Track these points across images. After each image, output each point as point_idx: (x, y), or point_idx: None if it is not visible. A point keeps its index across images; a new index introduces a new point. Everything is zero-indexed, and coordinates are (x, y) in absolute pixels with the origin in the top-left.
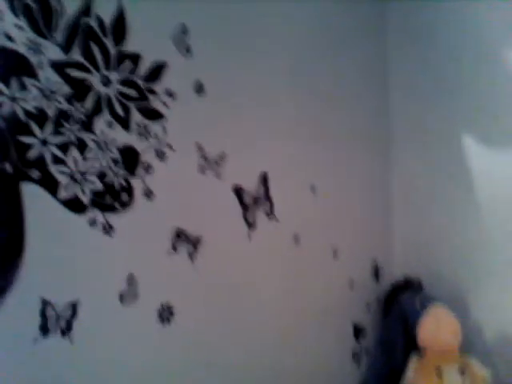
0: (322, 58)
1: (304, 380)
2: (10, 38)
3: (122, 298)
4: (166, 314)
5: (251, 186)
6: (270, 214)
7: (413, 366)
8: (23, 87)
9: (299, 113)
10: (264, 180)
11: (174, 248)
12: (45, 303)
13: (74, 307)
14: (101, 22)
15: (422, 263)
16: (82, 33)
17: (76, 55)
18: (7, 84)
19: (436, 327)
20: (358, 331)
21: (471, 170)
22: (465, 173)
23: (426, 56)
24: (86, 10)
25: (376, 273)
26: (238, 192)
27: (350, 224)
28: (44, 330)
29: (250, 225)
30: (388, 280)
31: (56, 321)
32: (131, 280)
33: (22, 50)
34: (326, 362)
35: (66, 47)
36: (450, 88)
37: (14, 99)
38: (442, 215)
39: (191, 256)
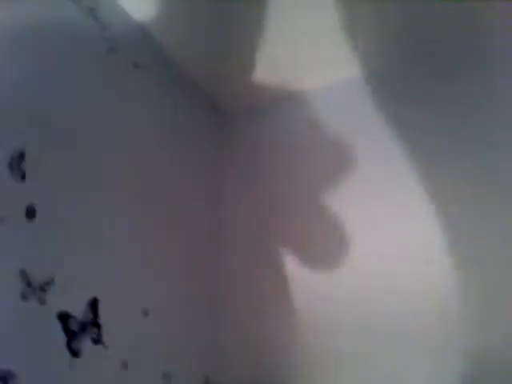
0: (161, 177)
1: None
2: None
3: None
4: None
5: (79, 311)
6: (98, 340)
7: None
8: None
9: (133, 236)
10: (93, 305)
11: None
12: None
13: None
14: None
15: (256, 380)
16: None
17: None
18: None
19: None
20: None
21: (296, 286)
22: (290, 291)
23: (258, 172)
24: None
25: None
26: (64, 318)
27: (182, 347)
28: None
29: (74, 353)
30: None
31: None
32: None
33: None
34: None
35: None
36: (281, 204)
37: None
38: (269, 335)
39: None
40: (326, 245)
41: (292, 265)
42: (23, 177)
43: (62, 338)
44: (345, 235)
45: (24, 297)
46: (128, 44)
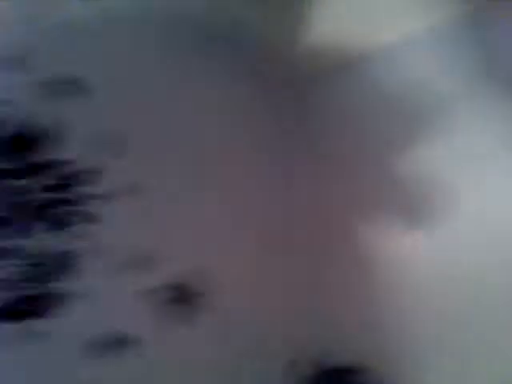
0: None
1: None
2: None
3: None
4: None
5: (185, 282)
6: (202, 310)
7: None
8: None
9: (238, 210)
10: (199, 277)
11: (102, 352)
12: None
13: None
14: (34, 126)
15: (366, 350)
16: (19, 142)
17: (8, 164)
18: None
19: None
20: None
21: (399, 257)
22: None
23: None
24: (24, 121)
25: (314, 359)
26: (171, 288)
27: (280, 313)
28: None
29: (182, 322)
30: (327, 367)
31: None
32: None
33: None
34: None
35: (2, 156)
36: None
37: None
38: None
39: (123, 359)
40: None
41: (369, 235)
42: (124, 155)
43: (169, 306)
44: (431, 197)
45: (131, 270)
46: None
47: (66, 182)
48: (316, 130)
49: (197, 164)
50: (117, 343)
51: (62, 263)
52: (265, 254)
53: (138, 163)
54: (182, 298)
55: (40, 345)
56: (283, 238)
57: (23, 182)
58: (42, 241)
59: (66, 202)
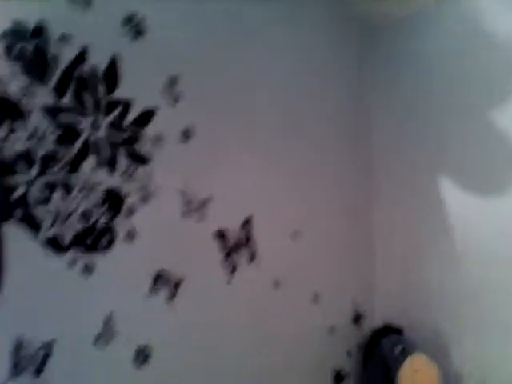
0: (309, 99)
1: None
2: (3, 83)
3: (98, 338)
4: (142, 356)
5: (234, 230)
6: (252, 258)
7: None
8: (12, 130)
9: (286, 158)
10: (247, 224)
11: (154, 289)
12: (19, 343)
13: (49, 347)
14: (94, 70)
15: (403, 310)
16: (75, 79)
17: (68, 101)
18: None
19: (414, 376)
20: (338, 377)
21: (455, 219)
22: (448, 222)
23: (410, 97)
24: (80, 58)
25: (357, 319)
26: (221, 236)
27: (332, 270)
28: (16, 369)
29: (231, 269)
30: (369, 326)
31: (29, 361)
32: (109, 321)
33: (14, 94)
34: None
35: (59, 93)
36: (435, 133)
37: (2, 140)
38: (424, 263)
39: (170, 298)
40: (492, 168)
41: (448, 195)
42: (177, 100)
43: (218, 253)
44: None
45: (184, 213)
46: None
47: (122, 122)
48: (391, 75)
49: (249, 113)
50: (165, 282)
51: (113, 202)
52: (315, 207)
53: (191, 109)
54: (230, 245)
55: (92, 276)
56: (342, 195)
57: (77, 119)
58: (92, 177)
59: (120, 141)
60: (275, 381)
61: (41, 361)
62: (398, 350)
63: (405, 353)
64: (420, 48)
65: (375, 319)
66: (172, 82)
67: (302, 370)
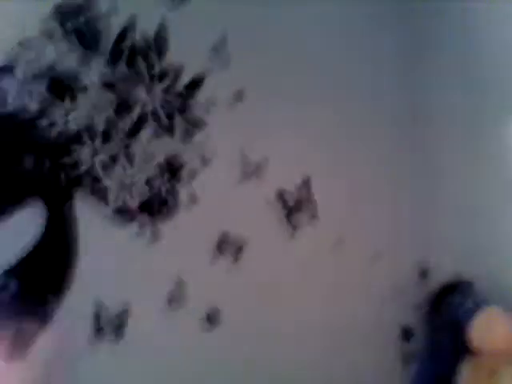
0: (360, 64)
1: None
2: (60, 57)
3: (170, 302)
4: (211, 318)
5: (293, 190)
6: (312, 217)
7: (465, 371)
8: (74, 102)
9: (340, 117)
10: (307, 183)
11: (219, 252)
12: (98, 307)
13: (125, 312)
14: (144, 37)
15: (471, 263)
16: (126, 49)
17: (122, 69)
18: (61, 99)
19: (489, 328)
20: (406, 334)
21: None
22: None
23: (465, 65)
24: (130, 27)
25: (424, 274)
26: (280, 197)
27: (396, 225)
28: (98, 332)
29: (294, 227)
30: (437, 281)
31: (109, 324)
32: (179, 284)
33: (71, 68)
34: (375, 366)
35: (113, 62)
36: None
37: (66, 113)
38: (494, 215)
39: (235, 260)
40: None
41: None
42: (226, 63)
43: (279, 214)
44: None
45: (244, 176)
46: None
47: (176, 87)
48: (430, 62)
49: (302, 76)
50: (228, 246)
51: (174, 168)
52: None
53: (241, 71)
54: (290, 205)
55: (158, 243)
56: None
57: (133, 88)
58: (152, 145)
59: (176, 106)
60: (340, 340)
61: (118, 325)
62: (468, 303)
63: (476, 306)
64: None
65: (444, 274)
66: (220, 44)
67: (368, 327)
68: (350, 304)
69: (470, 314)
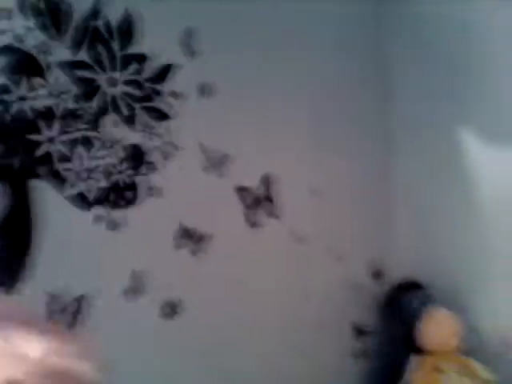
0: (329, 60)
1: (303, 380)
2: (19, 39)
3: (126, 293)
4: (169, 310)
5: (254, 186)
6: (273, 214)
7: (412, 367)
8: (32, 87)
9: (304, 115)
10: (267, 181)
11: (180, 244)
12: (51, 298)
13: (79, 302)
14: (108, 25)
15: (423, 265)
16: (89, 35)
17: (84, 56)
18: (17, 84)
19: (436, 328)
20: (358, 332)
21: (473, 171)
22: (467, 175)
23: (427, 55)
24: (94, 13)
25: (377, 274)
26: (242, 192)
27: (352, 226)
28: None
29: (253, 224)
30: (389, 281)
31: (61, 314)
32: (135, 276)
33: (31, 50)
34: (326, 362)
35: (75, 49)
36: (452, 84)
37: (23, 98)
38: (444, 218)
39: (195, 252)
40: None
41: (468, 147)
42: (194, 55)
43: (241, 209)
44: None
45: (205, 169)
46: None
47: (139, 78)
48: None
49: (268, 73)
50: (188, 237)
51: (134, 158)
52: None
53: (211, 64)
54: (250, 201)
55: (117, 232)
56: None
57: (94, 75)
58: (113, 134)
59: (139, 97)
60: (298, 334)
61: (73, 313)
62: (417, 304)
63: (425, 307)
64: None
65: (395, 275)
66: (188, 35)
67: (323, 324)
68: (307, 300)
69: (420, 313)
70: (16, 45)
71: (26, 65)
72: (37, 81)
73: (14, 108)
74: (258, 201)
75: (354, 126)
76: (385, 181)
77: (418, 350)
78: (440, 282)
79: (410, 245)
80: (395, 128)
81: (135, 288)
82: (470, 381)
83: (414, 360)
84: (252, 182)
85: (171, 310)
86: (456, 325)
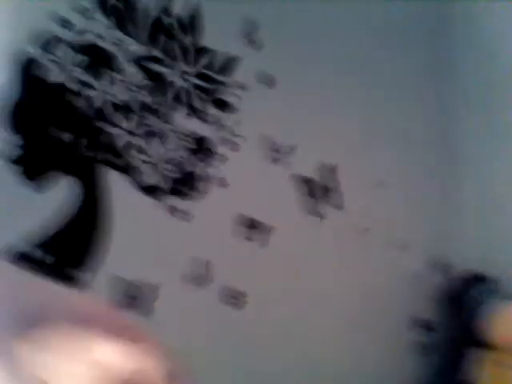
0: (387, 53)
1: (362, 375)
2: (99, 37)
3: (197, 282)
4: (237, 300)
5: (317, 176)
6: (339, 206)
7: (479, 364)
8: (111, 82)
9: (369, 108)
10: (330, 171)
11: (246, 236)
12: (127, 285)
13: (154, 289)
14: (179, 20)
15: (489, 258)
16: (162, 30)
17: (157, 52)
18: (98, 80)
19: (503, 322)
20: (420, 326)
21: None
22: None
23: (492, 52)
24: (166, 10)
25: (443, 268)
26: (307, 184)
27: (418, 219)
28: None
29: (319, 216)
30: (454, 274)
31: (130, 303)
32: (205, 265)
33: (109, 47)
34: (388, 356)
35: (148, 44)
36: None
37: (103, 92)
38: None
39: (261, 244)
40: None
41: None
42: (259, 48)
43: (306, 201)
44: None
45: (270, 162)
46: None
47: (206, 71)
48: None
49: (330, 65)
50: (251, 228)
51: (201, 149)
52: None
53: (275, 56)
54: (313, 192)
55: (187, 221)
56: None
57: (168, 69)
58: (185, 126)
59: (208, 89)
60: (359, 328)
61: (141, 301)
62: (482, 297)
63: (489, 300)
64: None
65: (460, 268)
66: (252, 29)
67: (386, 317)
68: (369, 292)
69: (484, 307)
70: (97, 42)
71: (105, 60)
72: (115, 76)
73: (97, 102)
74: (321, 191)
75: (417, 115)
76: (451, 170)
77: (481, 346)
78: (506, 275)
79: (476, 237)
80: (461, 113)
81: (205, 277)
82: None
83: (477, 355)
84: (315, 172)
85: (238, 300)
86: None
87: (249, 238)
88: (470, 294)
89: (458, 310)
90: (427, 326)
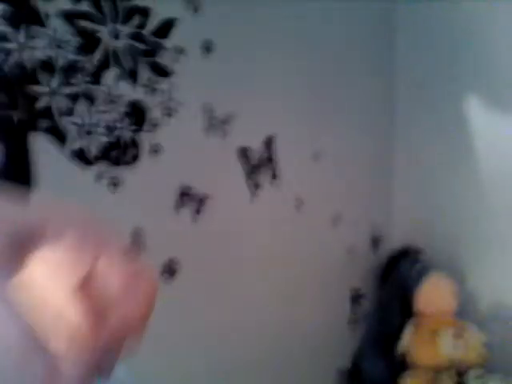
0: (332, 21)
1: (299, 344)
2: None
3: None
4: (169, 269)
5: (257, 148)
6: (274, 177)
7: (409, 331)
8: (32, 36)
9: (308, 78)
10: (270, 143)
11: (179, 204)
12: None
13: None
14: None
15: (422, 233)
16: None
17: (86, 6)
18: (16, 32)
19: (433, 292)
20: (355, 298)
21: (475, 140)
22: (468, 144)
23: (432, 19)
24: None
25: (375, 241)
26: (244, 154)
27: (352, 192)
28: None
29: (254, 187)
30: (387, 248)
31: None
32: (136, 235)
33: None
34: (323, 326)
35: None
36: (455, 50)
37: (22, 47)
38: (444, 186)
39: (195, 213)
40: None
41: (473, 115)
42: (197, 11)
43: (241, 171)
44: None
45: (207, 130)
46: None
47: (143, 31)
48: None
49: (277, 31)
50: (188, 197)
51: (136, 114)
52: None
53: (212, 21)
54: (252, 163)
55: (118, 189)
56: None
57: (96, 27)
58: (115, 89)
59: (142, 51)
60: (294, 297)
61: None
62: (415, 270)
63: (423, 272)
64: None
65: (394, 242)
66: None
67: (320, 288)
68: (304, 265)
69: (417, 279)
70: None
71: (26, 12)
72: (37, 30)
73: (14, 57)
74: (260, 163)
75: (355, 88)
76: (386, 145)
77: (415, 315)
78: (439, 248)
79: (409, 211)
80: (398, 90)
81: (135, 248)
82: (464, 343)
83: (410, 325)
84: (254, 143)
85: (171, 269)
86: (453, 289)
87: (183, 206)
88: (404, 267)
89: (393, 281)
90: (364, 298)
